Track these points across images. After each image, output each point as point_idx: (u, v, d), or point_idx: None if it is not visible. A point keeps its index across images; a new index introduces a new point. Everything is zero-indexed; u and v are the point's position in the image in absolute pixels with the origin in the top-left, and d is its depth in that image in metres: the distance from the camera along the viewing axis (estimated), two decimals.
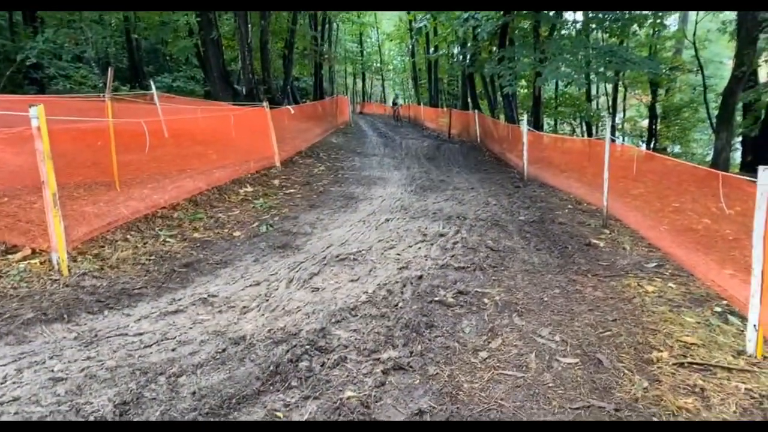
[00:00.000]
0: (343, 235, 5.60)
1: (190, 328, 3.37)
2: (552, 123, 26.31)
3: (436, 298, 3.93)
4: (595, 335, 3.45)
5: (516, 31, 18.70)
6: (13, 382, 2.68)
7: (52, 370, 2.80)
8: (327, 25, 27.68)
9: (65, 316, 3.45)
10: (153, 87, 10.56)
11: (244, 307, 3.72)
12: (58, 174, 4.07)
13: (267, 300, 3.83)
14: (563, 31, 18.87)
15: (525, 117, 10.76)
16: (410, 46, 35.28)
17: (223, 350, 3.06)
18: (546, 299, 4.03)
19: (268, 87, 15.87)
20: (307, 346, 3.12)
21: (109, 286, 3.96)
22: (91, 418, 2.39)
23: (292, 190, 7.87)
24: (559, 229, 6.19)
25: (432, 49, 28.53)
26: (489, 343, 3.29)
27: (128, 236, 4.96)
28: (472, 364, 3.02)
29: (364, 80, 46.84)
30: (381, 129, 20.51)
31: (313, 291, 4.05)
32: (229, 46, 18.60)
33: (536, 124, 16.38)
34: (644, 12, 19.26)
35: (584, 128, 26.12)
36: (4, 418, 2.38)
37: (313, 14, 24.66)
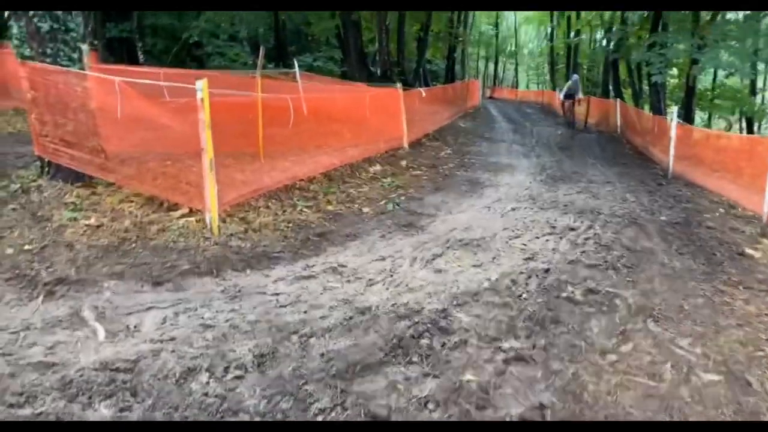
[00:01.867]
0: (468, 220, 5.57)
1: (321, 293, 3.58)
2: (705, 117, 23.74)
3: (563, 294, 3.78)
4: (744, 353, 3.12)
5: (671, 15, 17.02)
6: (171, 324, 3.05)
7: (203, 317, 3.14)
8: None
9: (214, 270, 3.84)
10: (296, 65, 11.18)
11: (370, 279, 3.86)
12: (214, 142, 4.50)
13: (392, 275, 3.95)
14: (729, 15, 16.83)
15: (674, 109, 9.83)
16: (549, 30, 33.67)
17: (350, 318, 3.22)
18: (687, 308, 3.71)
19: (401, 69, 16.12)
20: (429, 325, 3.18)
21: (252, 247, 4.33)
22: (233, 365, 2.65)
23: (418, 172, 7.96)
24: (706, 234, 5.62)
25: (573, 33, 26.98)
26: (619, 346, 3.11)
27: (270, 204, 5.36)
28: (600, 365, 2.89)
29: (496, 64, 45.63)
30: (511, 115, 19.89)
31: (435, 272, 4.10)
32: (367, 28, 19.08)
33: (687, 116, 14.90)
34: None
35: (744, 124, 23.26)
36: (163, 356, 2.71)
37: None
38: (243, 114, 6.65)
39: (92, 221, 4.40)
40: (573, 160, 10.17)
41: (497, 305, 3.54)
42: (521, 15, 39.63)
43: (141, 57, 15.12)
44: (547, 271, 4.20)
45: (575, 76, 16.84)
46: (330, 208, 5.63)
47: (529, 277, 4.06)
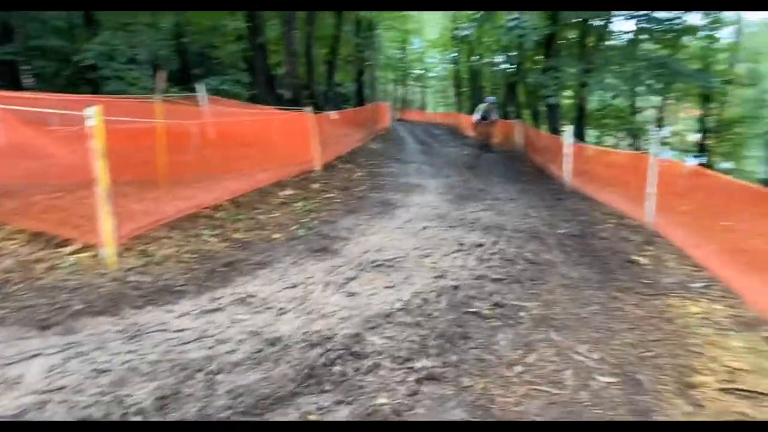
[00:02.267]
0: (380, 241, 5.62)
1: (229, 326, 3.44)
2: (596, 135, 25.76)
3: (472, 309, 3.89)
4: (636, 355, 3.35)
5: (562, 41, 18.44)
6: (60, 372, 2.79)
7: (97, 362, 2.91)
8: (371, 32, 27.94)
9: (111, 309, 3.58)
10: (201, 89, 10.86)
11: (281, 308, 3.77)
12: (110, 171, 4.24)
13: (303, 303, 3.88)
14: (611, 42, 18.52)
15: (568, 128, 10.58)
16: (453, 54, 35.24)
17: (260, 350, 3.11)
18: (585, 315, 3.94)
19: (311, 92, 16.13)
20: (342, 351, 3.14)
21: (153, 282, 4.09)
22: (132, 410, 2.47)
23: (331, 195, 7.94)
24: (600, 244, 6.04)
25: (475, 57, 28.41)
26: (525, 357, 3.24)
27: (172, 234, 5.11)
28: (507, 377, 2.98)
29: (405, 87, 46.97)
30: (420, 136, 20.49)
31: (348, 296, 4.08)
32: (275, 51, 18.98)
33: (579, 135, 16.08)
34: (695, 23, 18.73)
35: (629, 141, 25.48)
36: (50, 407, 2.48)
37: (357, 21, 24.94)
38: (142, 141, 6.35)
39: None
40: (479, 179, 10.61)
41: (409, 325, 3.57)
42: (426, 39, 41.20)
43: (31, 80, 14.01)
44: (456, 287, 4.31)
45: (492, 98, 15.22)
46: (238, 236, 5.46)
47: (440, 294, 4.14)
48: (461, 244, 5.60)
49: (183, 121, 7.13)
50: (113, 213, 4.23)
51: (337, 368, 2.95)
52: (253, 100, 16.48)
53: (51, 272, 4.00)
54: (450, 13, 33.04)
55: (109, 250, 4.17)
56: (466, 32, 20.30)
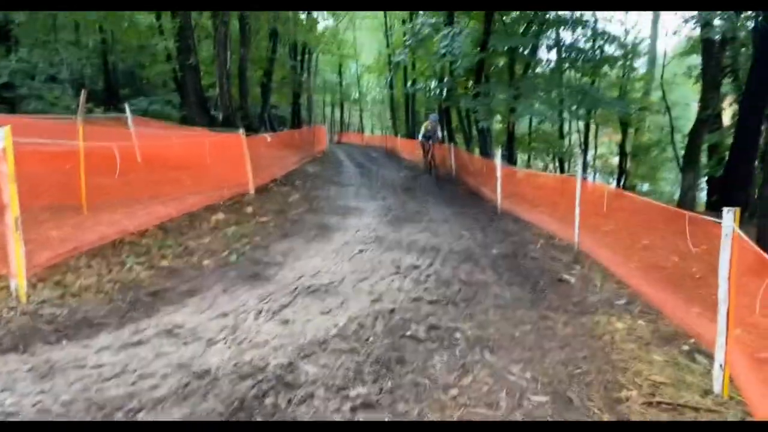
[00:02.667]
0: (316, 266, 5.54)
1: (153, 360, 3.24)
2: (525, 158, 26.84)
3: (408, 333, 3.88)
4: (566, 373, 3.44)
5: (492, 68, 19.22)
6: None
7: (3, 405, 2.65)
8: (307, 55, 28.02)
9: (21, 346, 3.30)
10: (128, 110, 10.43)
11: (210, 339, 3.61)
12: (24, 196, 3.96)
13: (234, 332, 3.73)
14: (537, 70, 19.49)
15: (499, 151, 10.95)
16: (388, 79, 35.88)
17: (186, 384, 2.95)
18: (517, 335, 4.02)
19: (245, 114, 15.89)
20: (274, 382, 3.03)
21: (70, 315, 3.81)
22: None
23: (265, 218, 7.78)
24: (531, 264, 6.23)
25: (410, 83, 29.05)
26: (460, 380, 3.25)
27: (93, 263, 4.81)
28: (443, 401, 2.97)
29: (342, 110, 47.28)
30: (358, 159, 20.59)
31: (282, 323, 3.96)
32: (207, 72, 18.62)
33: (510, 158, 16.72)
34: (614, 54, 20.10)
35: (557, 164, 26.72)
36: None
37: (293, 44, 24.94)
38: (62, 164, 6.00)
39: None
40: (415, 201, 10.74)
41: (345, 351, 3.51)
42: (363, 64, 41.81)
43: None
44: (392, 311, 4.29)
45: (433, 115, 14.79)
46: (165, 263, 5.22)
47: (376, 318, 4.11)
48: (398, 267, 5.61)
49: (107, 143, 6.79)
50: (25, 241, 3.93)
51: (269, 400, 2.84)
52: (185, 121, 16.03)
53: None
54: (384, 39, 33.77)
55: (19, 281, 3.86)
56: (399, 57, 20.75)
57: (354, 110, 49.52)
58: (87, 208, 6.00)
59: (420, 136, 14.24)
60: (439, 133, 13.84)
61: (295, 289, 4.74)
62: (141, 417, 2.60)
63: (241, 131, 9.70)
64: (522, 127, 24.25)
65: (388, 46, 32.71)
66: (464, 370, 3.37)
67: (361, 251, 6.24)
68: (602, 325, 4.33)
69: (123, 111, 11.36)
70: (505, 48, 17.40)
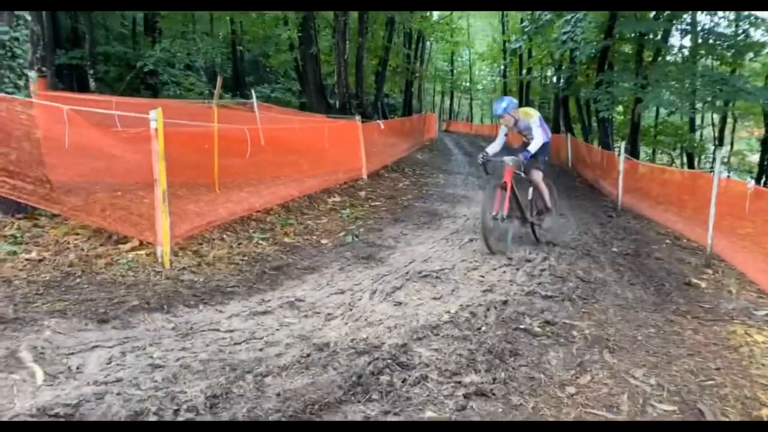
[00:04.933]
0: (426, 252, 5.58)
1: (277, 329, 3.47)
2: (649, 152, 24.93)
3: (522, 326, 3.80)
4: (696, 383, 3.18)
5: (617, 55, 17.99)
6: (117, 365, 2.87)
7: (152, 357, 2.98)
8: (420, 44, 28.04)
9: (165, 306, 3.67)
10: (253, 96, 11.13)
11: (329, 314, 3.78)
12: (167, 173, 4.38)
13: (351, 309, 3.88)
14: (668, 57, 17.94)
15: (621, 144, 10.29)
16: (502, 67, 34.96)
17: (308, 355, 3.12)
18: (640, 338, 3.79)
19: (360, 101, 16.31)
20: (389, 360, 3.11)
21: (205, 282, 4.18)
22: (184, 407, 2.50)
23: (377, 203, 7.97)
24: (655, 265, 5.81)
25: (525, 71, 28.09)
26: (577, 378, 3.12)
27: (224, 236, 5.23)
28: (559, 398, 2.88)
29: (452, 99, 46.88)
30: (467, 148, 20.36)
31: (395, 305, 4.05)
32: (326, 61, 19.32)
33: (632, 151, 15.60)
34: (761, 39, 17.92)
35: (684, 159, 24.56)
36: (107, 399, 2.53)
37: (408, 32, 25.09)
38: (198, 144, 6.54)
39: (33, 255, 4.16)
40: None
41: (457, 338, 3.51)
42: (476, 52, 41.06)
43: (93, 84, 14.74)
44: (505, 302, 4.22)
45: (506, 102, 6.52)
46: (287, 240, 5.54)
47: (488, 309, 4.06)
48: (510, 259, 5.50)
49: (239, 126, 7.31)
50: (170, 213, 4.35)
51: (384, 378, 2.92)
52: (303, 107, 16.82)
53: (110, 268, 4.14)
54: (500, 26, 32.85)
55: (164, 248, 4.29)
56: (515, 45, 20.10)
57: (464, 99, 48.89)
58: (218, 186, 6.52)
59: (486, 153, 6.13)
60: (537, 135, 5.99)
61: (407, 272, 4.81)
62: (268, 381, 2.79)
63: (357, 118, 9.97)
64: (647, 118, 22.51)
65: (504, 32, 31.81)
66: (582, 368, 3.24)
67: (471, 240, 6.19)
68: (739, 336, 3.95)
69: (249, 97, 12.14)
70: (633, 33, 16.20)
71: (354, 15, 16.80)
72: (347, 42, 14.59)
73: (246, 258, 4.82)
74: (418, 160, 14.04)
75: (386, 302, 4.09)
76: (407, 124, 17.51)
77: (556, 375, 3.13)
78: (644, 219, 8.42)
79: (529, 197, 6.22)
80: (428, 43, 31.29)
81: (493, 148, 6.09)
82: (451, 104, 47.30)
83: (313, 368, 2.97)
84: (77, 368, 2.81)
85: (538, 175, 6.19)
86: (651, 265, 5.82)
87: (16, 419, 2.32)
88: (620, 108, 19.51)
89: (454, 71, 43.69)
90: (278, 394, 2.67)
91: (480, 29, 39.15)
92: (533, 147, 5.87)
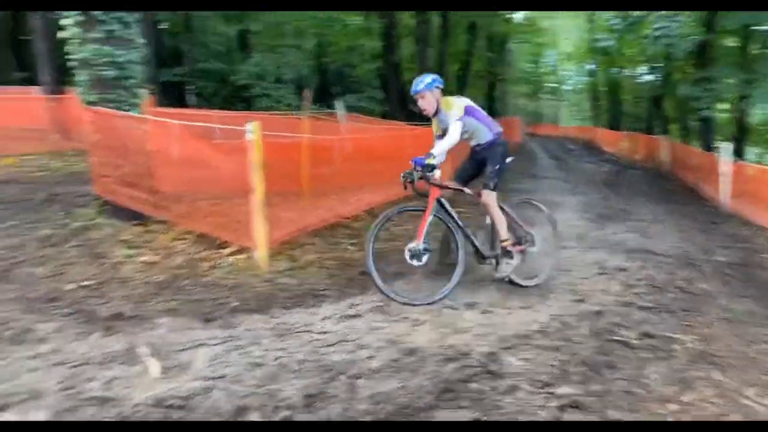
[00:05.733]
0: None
1: (367, 333, 3.56)
2: (760, 152, 22.90)
3: (617, 338, 3.64)
4: None
5: (718, 50, 16.74)
6: (222, 362, 3.08)
7: (252, 356, 3.17)
8: (503, 47, 27.60)
9: (263, 308, 3.89)
10: (338, 106, 11.47)
11: (416, 319, 3.82)
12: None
13: (438, 316, 3.90)
14: None
15: (725, 145, 9.56)
16: (590, 67, 33.60)
17: (397, 359, 3.18)
18: (752, 355, 3.51)
19: None
20: (478, 368, 3.11)
21: (299, 285, 4.37)
22: (283, 405, 2.65)
23: (462, 209, 7.90)
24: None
25: (615, 70, 26.81)
26: (680, 395, 2.95)
27: (315, 241, 5.44)
28: (661, 415, 2.74)
29: (537, 101, 45.63)
30: (554, 151, 19.73)
31: (482, 313, 4.02)
32: (408, 69, 19.51)
33: (739, 152, 14.42)
34: None
35: None
36: (214, 394, 2.72)
37: (490, 36, 24.78)
38: (288, 154, 6.84)
39: (147, 258, 4.56)
40: (620, 198, 9.94)
41: (548, 348, 3.43)
42: (561, 53, 39.76)
43: (192, 100, 15.87)
44: (598, 313, 4.06)
45: (428, 79, 4.47)
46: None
47: (581, 319, 3.93)
48: (602, 268, 5.28)
49: (325, 136, 7.58)
50: (266, 220, 4.60)
51: (474, 385, 2.92)
52: (385, 116, 17.08)
53: (213, 271, 4.45)
54: (586, 24, 31.58)
55: (261, 253, 4.54)
56: (605, 43, 19.23)
57: (549, 101, 47.42)
58: (307, 194, 6.78)
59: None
60: (452, 131, 4.22)
61: (494, 280, 4.75)
62: (360, 384, 2.88)
63: None
64: (756, 116, 20.70)
65: (590, 31, 30.58)
66: (685, 385, 3.05)
67: (561, 248, 5.99)
68: None
69: (333, 107, 12.48)
70: (738, 26, 15.00)
71: (436, 21, 16.87)
72: (429, 48, 14.67)
73: (335, 263, 4.98)
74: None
75: (474, 310, 4.07)
76: None
77: (657, 390, 2.98)
78: (754, 225, 7.76)
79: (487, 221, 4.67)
80: (511, 45, 30.70)
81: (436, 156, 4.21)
82: (536, 107, 46.02)
83: (403, 372, 3.03)
84: (187, 364, 3.05)
85: (487, 196, 4.42)
86: (763, 276, 5.37)
87: (137, 408, 2.56)
88: (724, 105, 18.08)
89: (539, 73, 42.52)
90: (370, 397, 2.76)
91: (565, 29, 37.86)
92: (438, 147, 4.23)
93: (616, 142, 21.27)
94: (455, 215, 4.41)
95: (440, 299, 4.02)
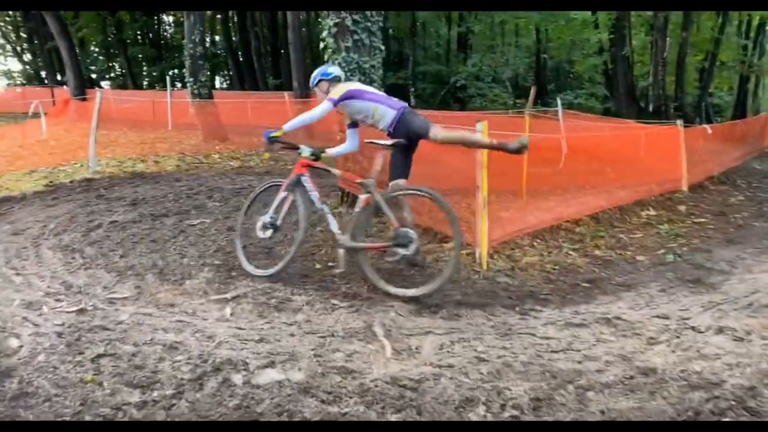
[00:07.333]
0: None
1: (594, 344, 3.37)
2: None
3: None
4: None
5: None
6: (448, 352, 3.22)
7: (476, 350, 3.23)
8: (762, 33, 23.32)
9: (484, 305, 3.95)
10: (558, 104, 11.01)
11: (651, 337, 3.48)
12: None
13: (678, 336, 3.50)
14: None
15: None
16: None
17: (631, 377, 2.94)
18: None
19: (679, 103, 14.52)
20: (733, 402, 2.70)
21: (518, 286, 4.34)
22: (510, 404, 2.65)
23: (702, 220, 6.98)
24: None
25: None
26: None
27: (534, 243, 5.33)
28: None
29: None
30: None
31: (735, 340, 3.48)
32: (638, 62, 17.81)
33: None
34: None
35: None
36: (442, 381, 2.84)
37: (740, 21, 21.19)
38: (504, 153, 6.81)
39: None
40: None
41: None
42: None
43: (413, 101, 16.79)
44: None
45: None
46: (598, 253, 5.31)
47: None
48: None
49: (546, 135, 7.35)
50: (488, 218, 4.66)
51: (726, 417, 2.55)
52: (607, 113, 15.87)
53: (437, 264, 4.66)
54: None
55: (482, 251, 4.61)
56: None
57: None
58: (525, 194, 6.67)
59: None
60: (318, 107, 4.40)
61: (750, 304, 4.07)
62: (590, 396, 2.74)
63: (679, 123, 8.92)
64: None
65: None
66: None
67: None
68: None
69: (550, 104, 12.05)
70: None
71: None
72: (668, 39, 13.15)
73: (557, 267, 4.81)
74: (754, 171, 11.75)
75: (723, 335, 3.54)
76: (740, 128, 14.80)
77: None
78: None
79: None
80: None
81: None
82: None
83: (639, 392, 2.79)
84: (416, 348, 3.25)
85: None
86: None
87: (374, 383, 2.82)
88: None
89: None
90: (602, 412, 2.60)
91: None
92: (291, 121, 4.38)
93: None
94: (313, 195, 4.49)
95: (272, 274, 4.32)
